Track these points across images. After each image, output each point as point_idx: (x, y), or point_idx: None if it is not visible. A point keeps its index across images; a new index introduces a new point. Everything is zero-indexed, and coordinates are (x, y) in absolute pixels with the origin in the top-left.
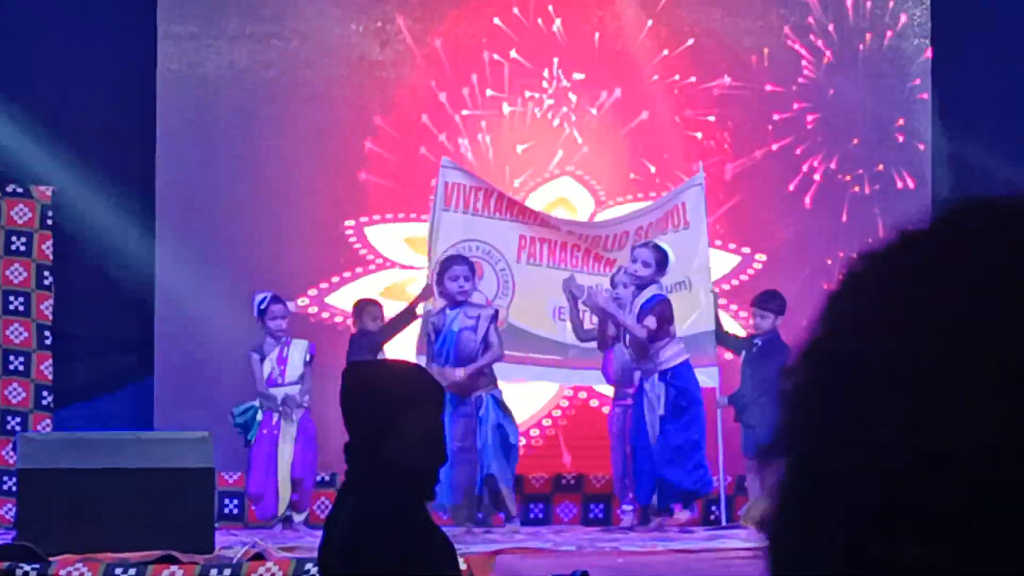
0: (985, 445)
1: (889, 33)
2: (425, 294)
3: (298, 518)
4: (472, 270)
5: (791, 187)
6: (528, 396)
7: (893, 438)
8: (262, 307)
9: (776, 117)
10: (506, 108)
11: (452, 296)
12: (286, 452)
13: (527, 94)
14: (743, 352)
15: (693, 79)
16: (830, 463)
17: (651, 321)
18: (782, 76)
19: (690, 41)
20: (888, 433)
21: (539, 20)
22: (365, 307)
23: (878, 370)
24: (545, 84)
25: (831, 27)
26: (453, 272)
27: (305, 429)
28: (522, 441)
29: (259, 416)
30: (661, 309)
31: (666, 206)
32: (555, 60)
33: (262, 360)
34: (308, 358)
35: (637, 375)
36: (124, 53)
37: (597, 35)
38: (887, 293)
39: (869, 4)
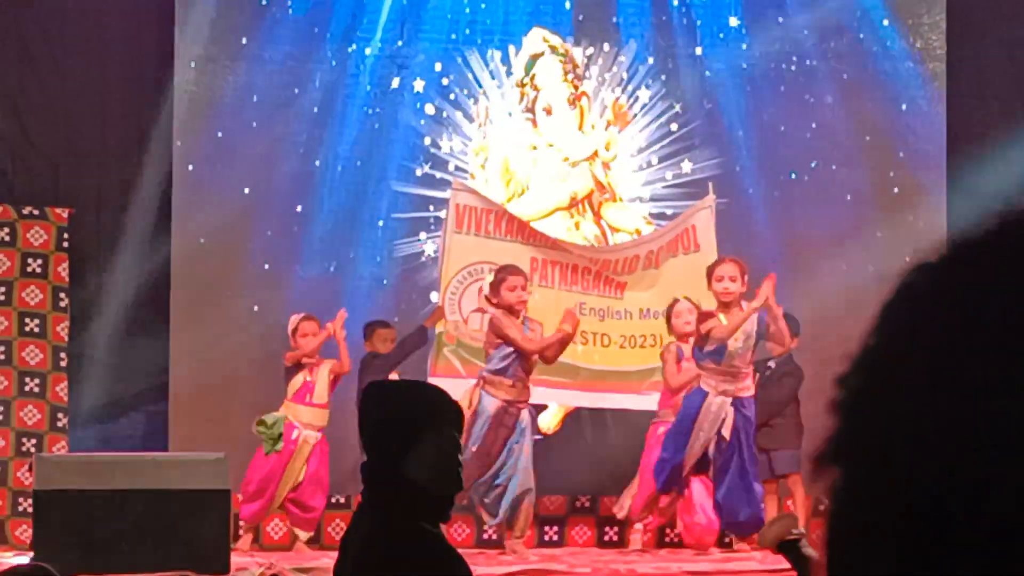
0: None
1: (908, 56)
2: (436, 316)
3: (303, 536)
4: (527, 280)
5: (807, 208)
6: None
7: (948, 449)
8: (294, 328)
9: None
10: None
11: (511, 305)
12: (295, 470)
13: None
14: (756, 375)
15: (714, 113)
16: (884, 473)
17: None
18: (798, 99)
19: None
20: (943, 444)
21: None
22: (376, 329)
23: (934, 381)
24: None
25: (847, 50)
26: (511, 282)
27: (322, 453)
28: None
29: (281, 426)
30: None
31: (676, 230)
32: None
33: (297, 370)
34: (332, 378)
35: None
36: (141, 74)
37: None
38: (943, 304)
39: (889, 28)
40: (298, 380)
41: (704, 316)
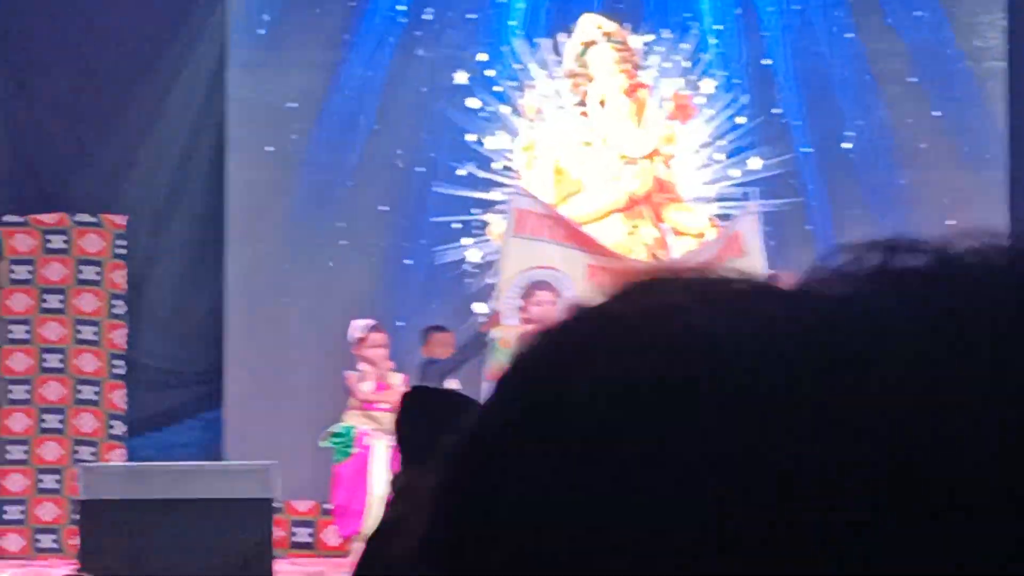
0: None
1: (965, 56)
2: (493, 321)
3: None
4: (558, 296)
5: (866, 208)
6: None
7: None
8: (360, 337)
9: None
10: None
11: (539, 321)
12: (380, 472)
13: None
14: None
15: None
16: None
17: None
18: (859, 100)
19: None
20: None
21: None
22: (434, 334)
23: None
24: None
25: (908, 51)
26: (538, 298)
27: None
28: None
29: (354, 434)
30: None
31: (724, 239)
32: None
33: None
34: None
35: None
36: (195, 81)
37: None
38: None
39: (946, 27)
40: (369, 386)
41: None
